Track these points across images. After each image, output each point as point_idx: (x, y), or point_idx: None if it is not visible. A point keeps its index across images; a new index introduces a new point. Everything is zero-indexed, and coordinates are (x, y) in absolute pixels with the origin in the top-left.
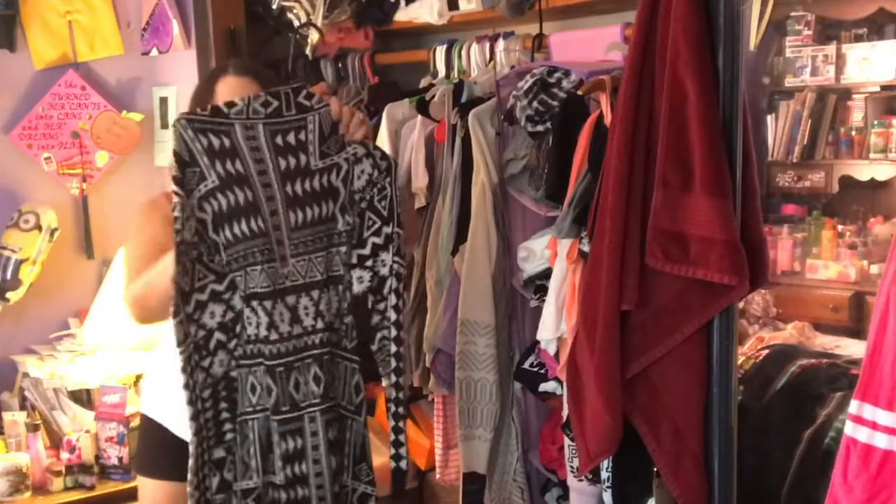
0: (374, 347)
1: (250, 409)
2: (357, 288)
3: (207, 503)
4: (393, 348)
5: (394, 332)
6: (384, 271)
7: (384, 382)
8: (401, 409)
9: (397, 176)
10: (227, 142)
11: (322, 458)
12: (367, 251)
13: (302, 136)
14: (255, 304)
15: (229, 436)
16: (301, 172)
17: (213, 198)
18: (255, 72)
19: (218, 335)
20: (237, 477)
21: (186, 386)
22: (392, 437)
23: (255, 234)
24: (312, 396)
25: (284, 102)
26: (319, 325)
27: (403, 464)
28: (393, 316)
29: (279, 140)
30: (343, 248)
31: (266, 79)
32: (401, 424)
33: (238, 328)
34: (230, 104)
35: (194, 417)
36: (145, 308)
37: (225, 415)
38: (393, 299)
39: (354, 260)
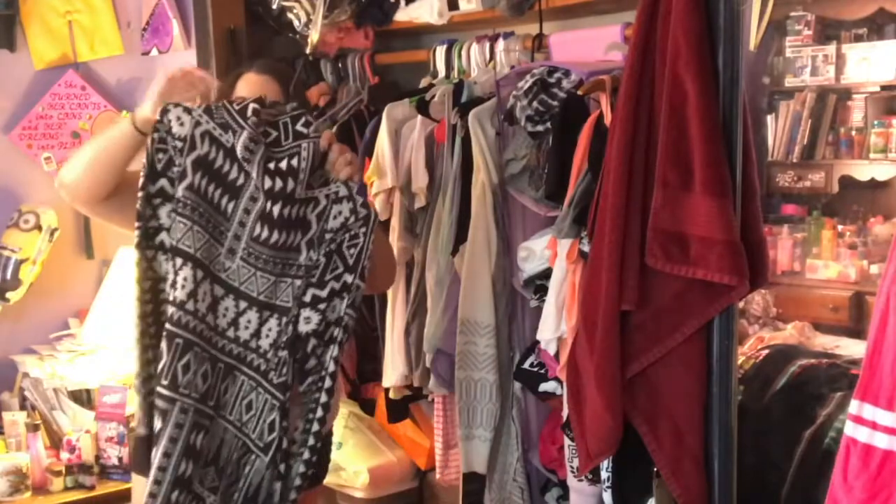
0: (301, 389)
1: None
2: (303, 328)
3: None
4: (323, 398)
5: (328, 383)
6: (332, 317)
7: (302, 426)
8: (314, 458)
9: (374, 230)
10: (224, 138)
11: (174, 455)
12: (323, 293)
13: (294, 162)
14: (182, 263)
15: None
16: (284, 196)
17: (212, 145)
18: (277, 71)
19: (164, 236)
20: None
21: (136, 263)
22: (279, 465)
23: (220, 211)
24: (193, 389)
25: (283, 132)
26: (230, 333)
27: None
28: (331, 367)
29: (271, 165)
30: (298, 282)
31: (287, 79)
32: (291, 465)
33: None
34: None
35: (138, 300)
36: (67, 171)
37: (160, 318)
38: (335, 350)
39: (308, 298)
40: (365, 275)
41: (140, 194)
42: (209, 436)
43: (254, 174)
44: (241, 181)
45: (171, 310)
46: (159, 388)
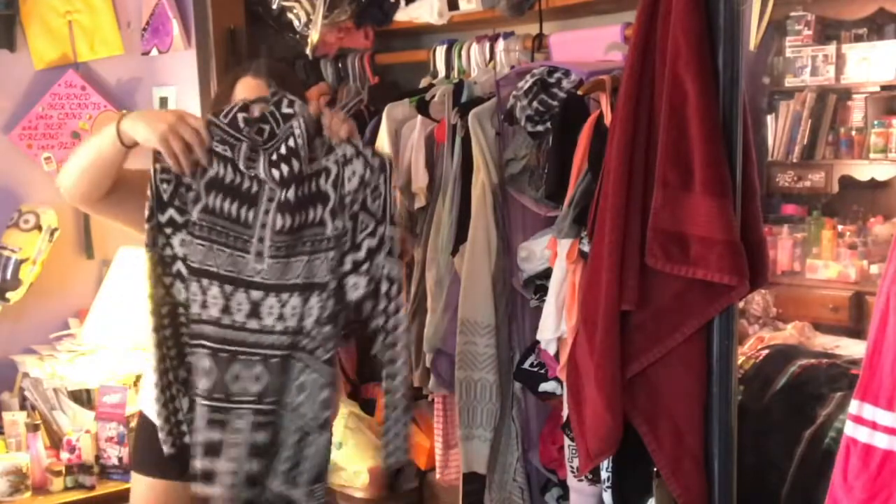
0: (374, 351)
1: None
2: (352, 295)
3: (178, 424)
4: (388, 354)
5: (388, 338)
6: (378, 274)
7: (383, 384)
8: (397, 412)
9: (392, 174)
10: (227, 154)
11: (241, 458)
12: (361, 255)
13: (291, 143)
14: (209, 283)
15: (189, 359)
16: (294, 179)
17: (220, 162)
18: (276, 74)
19: (180, 265)
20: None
21: (150, 296)
22: (385, 435)
23: (240, 222)
24: (247, 394)
25: (273, 121)
26: (279, 327)
27: (388, 461)
28: (381, 321)
29: (273, 157)
30: (331, 254)
31: (285, 79)
32: (397, 426)
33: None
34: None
35: (155, 329)
36: (63, 177)
37: (185, 339)
38: (384, 303)
39: (349, 266)
40: (396, 221)
41: (147, 226)
42: (277, 426)
43: (262, 175)
44: (255, 188)
45: (208, 329)
46: (211, 402)
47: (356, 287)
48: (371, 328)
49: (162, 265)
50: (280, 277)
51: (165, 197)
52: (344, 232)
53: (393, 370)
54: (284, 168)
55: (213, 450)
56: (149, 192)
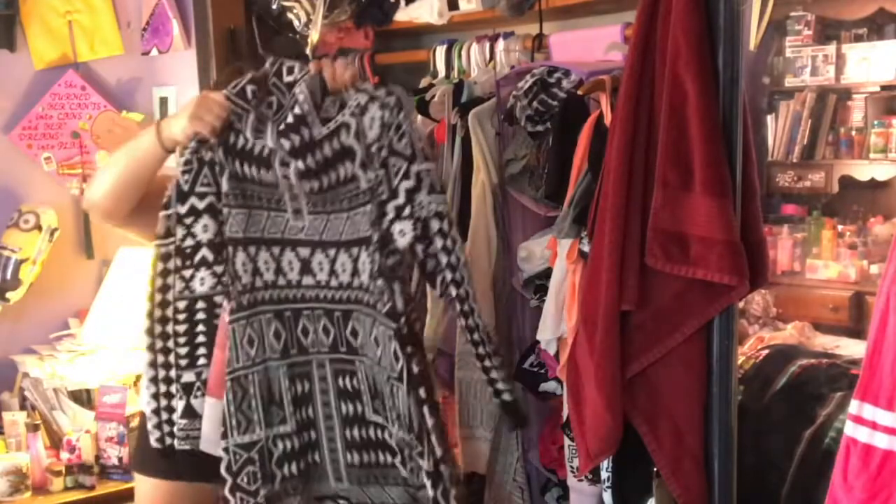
0: (437, 293)
1: (248, 364)
2: (401, 242)
3: (170, 423)
4: (453, 291)
5: (450, 276)
6: (423, 214)
7: (459, 325)
8: (484, 349)
9: (410, 109)
10: (236, 124)
11: (331, 402)
12: (401, 200)
13: (297, 111)
14: (256, 250)
15: (202, 361)
16: (307, 145)
17: (229, 131)
18: None
19: (205, 251)
20: (236, 431)
21: (152, 282)
22: (485, 376)
23: (264, 184)
24: (321, 345)
25: (279, 91)
26: (333, 282)
27: (507, 396)
28: (444, 259)
29: (281, 126)
30: (369, 207)
31: None
32: (491, 363)
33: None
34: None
35: (161, 321)
36: (95, 190)
37: (201, 338)
38: (439, 242)
39: (392, 214)
40: (427, 154)
41: (161, 214)
42: (360, 376)
43: (270, 144)
44: (266, 151)
45: (265, 294)
46: (289, 359)
47: (403, 233)
48: (429, 270)
49: (181, 257)
50: (323, 234)
51: (186, 188)
52: (378, 182)
53: (468, 307)
54: (295, 138)
55: (304, 399)
56: (169, 185)
